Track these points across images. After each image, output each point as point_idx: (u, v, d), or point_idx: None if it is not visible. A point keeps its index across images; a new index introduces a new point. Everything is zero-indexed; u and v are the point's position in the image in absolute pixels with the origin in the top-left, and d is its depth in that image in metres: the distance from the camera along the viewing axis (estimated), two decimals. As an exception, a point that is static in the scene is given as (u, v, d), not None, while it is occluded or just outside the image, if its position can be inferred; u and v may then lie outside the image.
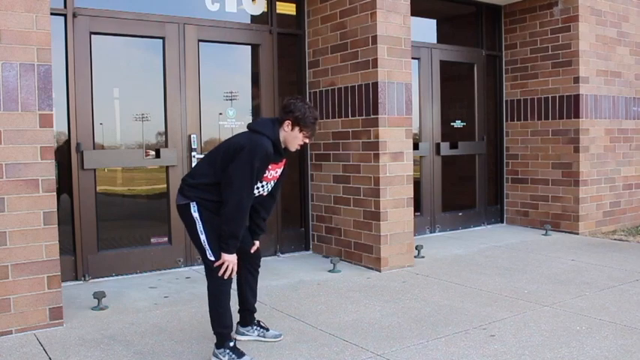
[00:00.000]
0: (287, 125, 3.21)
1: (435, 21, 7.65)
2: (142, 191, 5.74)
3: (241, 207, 3.09)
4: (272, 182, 3.35)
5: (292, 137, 3.23)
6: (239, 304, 3.55)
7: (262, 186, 3.28)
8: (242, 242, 3.28)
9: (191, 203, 3.20)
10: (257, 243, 3.55)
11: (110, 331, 3.77)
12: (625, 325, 3.78)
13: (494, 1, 7.51)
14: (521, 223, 7.62)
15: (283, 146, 3.27)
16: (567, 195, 7.07)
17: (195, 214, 3.19)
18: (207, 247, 3.18)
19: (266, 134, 3.17)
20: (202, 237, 3.18)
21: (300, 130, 3.22)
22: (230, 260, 3.13)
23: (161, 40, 5.28)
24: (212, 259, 3.17)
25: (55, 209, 3.80)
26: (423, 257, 5.79)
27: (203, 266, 3.28)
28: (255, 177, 3.12)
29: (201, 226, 3.18)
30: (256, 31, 5.84)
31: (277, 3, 5.97)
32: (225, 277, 3.15)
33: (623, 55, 7.38)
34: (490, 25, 7.74)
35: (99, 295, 4.22)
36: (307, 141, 3.30)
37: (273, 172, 3.30)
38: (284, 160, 3.38)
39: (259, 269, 3.60)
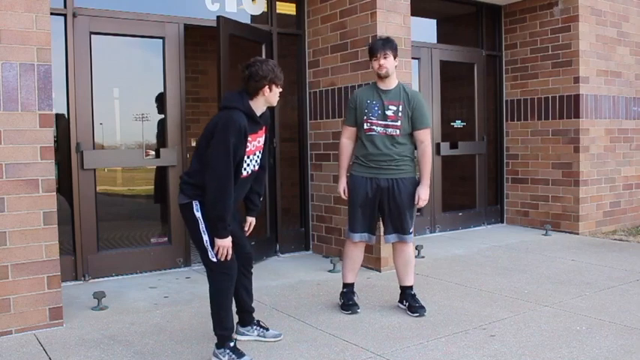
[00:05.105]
0: (266, 91, 3.21)
1: (435, 21, 7.66)
2: (142, 191, 5.75)
3: (223, 187, 3.03)
4: (258, 153, 3.30)
5: (272, 96, 3.26)
6: (236, 306, 3.53)
7: (250, 161, 3.23)
8: (235, 238, 3.23)
9: (193, 202, 3.15)
10: (252, 220, 3.50)
11: (110, 331, 3.77)
12: (625, 325, 3.78)
13: (494, 1, 7.51)
14: (522, 223, 7.61)
15: (259, 114, 3.25)
16: (567, 195, 7.07)
17: (198, 214, 3.15)
18: (209, 247, 3.14)
19: (237, 107, 3.13)
20: (205, 237, 3.14)
21: (277, 86, 3.26)
22: (224, 245, 3.09)
23: (161, 40, 5.28)
24: (214, 260, 3.14)
25: (55, 209, 3.80)
26: (423, 257, 5.79)
27: (203, 266, 3.27)
28: (234, 153, 3.05)
29: (203, 225, 3.14)
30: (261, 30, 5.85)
31: (277, 3, 5.97)
32: (223, 260, 3.11)
33: (623, 55, 7.38)
34: (490, 25, 7.74)
35: (99, 295, 4.22)
36: (281, 89, 3.33)
37: (255, 142, 3.24)
38: (264, 128, 3.34)
39: (252, 270, 3.57)
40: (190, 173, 3.23)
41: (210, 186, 3.04)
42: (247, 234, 3.56)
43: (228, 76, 5.01)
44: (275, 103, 3.33)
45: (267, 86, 3.20)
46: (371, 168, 4.03)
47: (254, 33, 5.63)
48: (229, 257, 3.15)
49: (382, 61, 3.98)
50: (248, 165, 3.24)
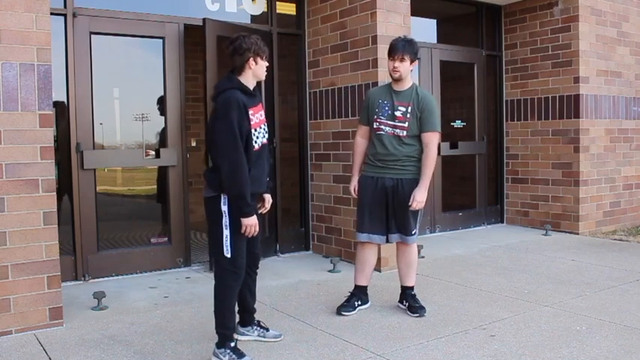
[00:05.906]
0: (252, 64, 3.23)
1: (435, 21, 7.66)
2: (142, 191, 5.75)
3: (234, 162, 3.06)
4: (263, 126, 3.32)
5: (259, 69, 3.28)
6: (238, 306, 3.53)
7: (258, 133, 3.25)
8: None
9: (222, 195, 3.16)
10: (268, 196, 3.52)
11: (110, 331, 3.77)
12: (625, 325, 3.78)
13: (494, 1, 7.51)
14: (522, 223, 7.62)
15: (252, 87, 3.28)
16: (567, 195, 7.07)
17: (224, 207, 3.15)
18: (227, 242, 3.14)
19: (229, 87, 3.19)
20: (226, 232, 3.14)
21: (262, 58, 3.28)
22: (250, 224, 3.13)
23: (161, 40, 5.28)
24: (228, 256, 3.15)
25: (55, 209, 3.80)
26: (423, 257, 5.78)
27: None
28: (239, 128, 3.09)
29: (227, 220, 3.15)
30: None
31: (277, 3, 5.97)
32: (249, 236, 3.17)
33: (623, 55, 7.38)
34: (490, 25, 7.74)
35: (99, 295, 4.22)
36: (267, 63, 3.35)
37: (258, 115, 3.28)
38: (260, 104, 3.37)
39: (257, 270, 3.58)
40: (211, 168, 3.25)
41: (223, 164, 3.07)
42: (266, 211, 3.56)
43: (218, 79, 5.00)
44: (263, 77, 3.36)
45: (252, 59, 3.22)
46: (378, 167, 4.03)
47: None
48: (257, 234, 3.19)
49: (397, 64, 3.92)
50: (258, 137, 3.25)
